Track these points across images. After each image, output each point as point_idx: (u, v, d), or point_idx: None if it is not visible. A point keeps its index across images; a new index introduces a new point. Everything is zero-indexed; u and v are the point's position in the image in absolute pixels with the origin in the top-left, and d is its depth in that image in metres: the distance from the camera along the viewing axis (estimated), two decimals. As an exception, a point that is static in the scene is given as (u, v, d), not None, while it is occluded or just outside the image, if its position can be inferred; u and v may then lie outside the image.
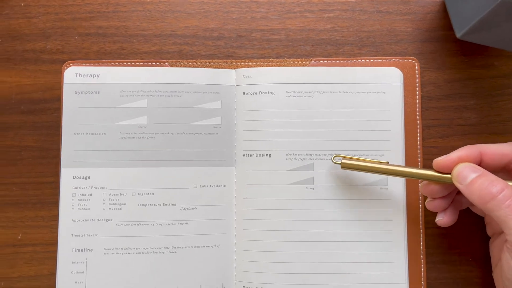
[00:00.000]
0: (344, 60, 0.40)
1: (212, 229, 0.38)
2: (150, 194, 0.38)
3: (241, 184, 0.39)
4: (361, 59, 0.40)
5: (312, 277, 0.38)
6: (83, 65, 0.39)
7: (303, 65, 0.40)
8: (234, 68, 0.40)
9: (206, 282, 0.38)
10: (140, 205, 0.38)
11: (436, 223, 0.37)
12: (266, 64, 0.40)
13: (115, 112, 0.38)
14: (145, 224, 0.38)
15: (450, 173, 0.34)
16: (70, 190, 0.38)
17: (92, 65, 0.39)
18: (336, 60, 0.40)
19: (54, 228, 0.40)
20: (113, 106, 0.39)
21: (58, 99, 0.40)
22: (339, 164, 0.37)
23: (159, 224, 0.38)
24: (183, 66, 0.40)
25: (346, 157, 0.37)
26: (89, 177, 0.38)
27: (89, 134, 0.38)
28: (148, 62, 0.40)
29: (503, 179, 0.32)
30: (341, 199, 0.38)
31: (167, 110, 0.39)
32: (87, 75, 0.39)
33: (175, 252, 0.38)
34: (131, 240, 0.38)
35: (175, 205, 0.38)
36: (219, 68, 0.40)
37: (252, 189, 0.38)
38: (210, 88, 0.39)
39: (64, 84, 0.39)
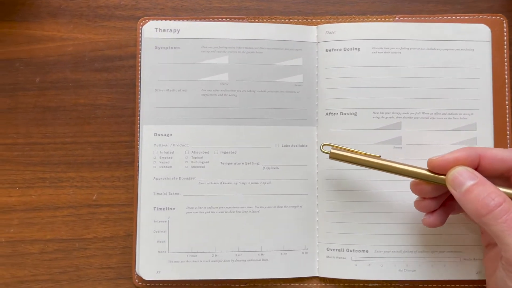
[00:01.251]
0: (429, 17, 0.39)
1: (294, 189, 0.37)
2: (233, 152, 0.37)
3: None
4: (446, 16, 0.39)
5: (398, 238, 0.37)
6: (162, 20, 0.38)
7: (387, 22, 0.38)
8: (315, 25, 0.39)
9: (289, 243, 0.37)
10: (223, 163, 0.37)
11: None
12: (348, 21, 0.39)
13: (197, 68, 0.37)
14: (228, 183, 0.37)
15: (444, 174, 0.32)
16: (151, 148, 0.37)
17: (171, 20, 0.38)
18: (420, 17, 0.39)
19: (130, 188, 0.39)
20: (194, 62, 0.37)
21: (133, 56, 0.39)
22: (328, 153, 0.34)
23: (242, 183, 0.37)
24: (262, 23, 0.39)
25: (336, 147, 0.34)
26: (170, 135, 0.37)
27: (170, 90, 0.37)
28: (225, 18, 0.39)
29: (499, 186, 0.30)
30: (429, 159, 0.37)
31: (249, 67, 0.38)
32: (167, 30, 0.37)
33: (258, 211, 0.37)
34: (214, 199, 0.37)
35: (257, 164, 0.37)
36: (299, 24, 0.39)
37: (336, 149, 0.37)
38: (292, 45, 0.38)
39: (143, 39, 0.38)
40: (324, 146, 0.35)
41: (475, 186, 0.30)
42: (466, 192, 0.30)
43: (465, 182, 0.30)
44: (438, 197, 0.34)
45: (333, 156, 0.34)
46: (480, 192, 0.30)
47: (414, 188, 0.34)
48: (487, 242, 0.34)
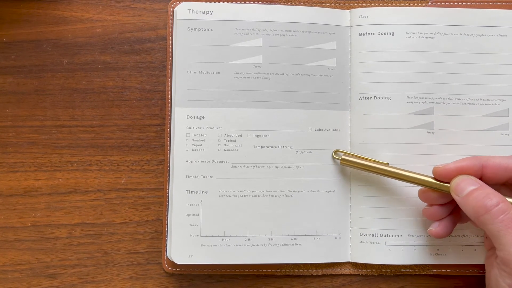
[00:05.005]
0: (462, 2, 0.39)
1: (327, 174, 0.37)
2: (266, 136, 0.37)
3: (357, 128, 0.37)
4: (480, 2, 0.39)
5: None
6: (194, 1, 0.38)
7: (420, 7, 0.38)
8: (348, 9, 0.38)
9: (322, 228, 0.37)
10: (256, 147, 0.37)
11: None
12: (381, 5, 0.38)
13: (229, 50, 0.37)
14: (261, 167, 0.37)
15: (449, 182, 0.33)
16: (183, 130, 0.36)
17: (204, 1, 0.38)
18: (454, 2, 0.39)
19: (160, 172, 0.38)
20: (227, 44, 0.37)
21: (163, 38, 0.39)
22: (339, 159, 0.36)
23: (275, 166, 0.37)
24: (296, 5, 0.38)
25: (346, 154, 0.36)
26: (203, 117, 0.36)
27: (203, 72, 0.37)
28: (259, 0, 0.38)
29: (504, 195, 0.31)
30: (462, 145, 0.37)
31: (282, 50, 0.37)
32: (200, 11, 0.37)
33: (291, 196, 0.37)
34: (246, 182, 0.36)
35: (290, 148, 0.37)
36: (332, 8, 0.38)
37: (369, 133, 0.37)
38: (325, 28, 0.38)
39: (175, 20, 0.37)
40: (336, 153, 0.37)
41: (475, 190, 0.31)
42: (466, 196, 0.31)
43: (467, 188, 0.31)
44: (445, 205, 0.34)
45: (344, 162, 0.36)
46: (479, 194, 0.31)
47: (421, 195, 0.35)
48: (490, 246, 0.34)
